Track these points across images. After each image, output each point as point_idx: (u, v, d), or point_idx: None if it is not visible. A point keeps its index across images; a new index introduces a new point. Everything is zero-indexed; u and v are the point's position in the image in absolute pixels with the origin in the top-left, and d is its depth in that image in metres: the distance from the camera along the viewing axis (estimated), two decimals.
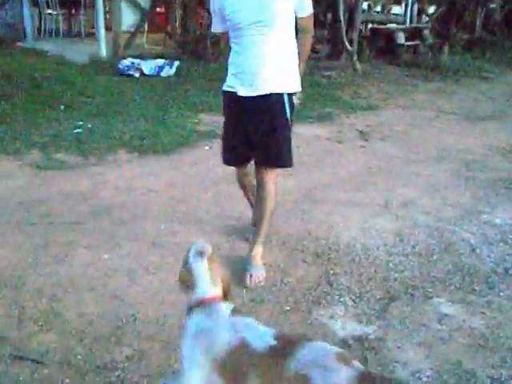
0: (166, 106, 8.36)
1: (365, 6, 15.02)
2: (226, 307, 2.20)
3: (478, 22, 18.60)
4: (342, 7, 12.41)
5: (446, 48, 15.55)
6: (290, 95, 3.61)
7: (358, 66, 12.22)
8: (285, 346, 1.99)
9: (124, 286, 3.59)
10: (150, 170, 5.82)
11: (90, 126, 7.10)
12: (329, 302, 3.52)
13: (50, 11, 14.50)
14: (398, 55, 14.53)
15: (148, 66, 10.55)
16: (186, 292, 2.27)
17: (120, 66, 10.49)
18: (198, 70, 10.71)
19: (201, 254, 2.26)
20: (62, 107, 7.93)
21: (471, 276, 3.95)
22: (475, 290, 3.78)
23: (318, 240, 4.34)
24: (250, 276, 3.71)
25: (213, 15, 3.66)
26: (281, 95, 3.56)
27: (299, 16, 3.58)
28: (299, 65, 3.63)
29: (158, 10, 14.28)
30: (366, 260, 4.08)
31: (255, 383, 1.99)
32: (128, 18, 13.21)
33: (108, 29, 12.08)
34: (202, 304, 2.19)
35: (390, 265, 4.04)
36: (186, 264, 2.28)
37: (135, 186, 5.36)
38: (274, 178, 3.77)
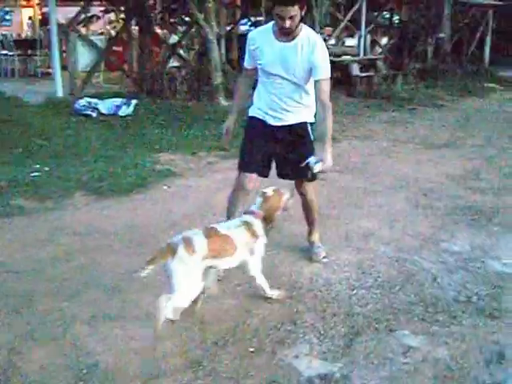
0: (124, 145, 8.32)
1: None
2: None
3: (429, 52, 19.09)
4: None
5: (399, 78, 15.87)
6: (311, 124, 4.44)
7: None
8: None
9: (85, 335, 3.51)
10: (108, 212, 5.75)
11: (47, 168, 7.01)
12: (293, 341, 3.50)
13: (5, 52, 14.43)
14: (354, 86, 14.76)
15: (105, 106, 10.50)
16: None
17: (77, 106, 10.43)
18: (156, 108, 10.71)
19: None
20: (19, 150, 7.83)
21: (433, 306, 3.99)
22: (438, 320, 3.80)
23: (280, 278, 4.33)
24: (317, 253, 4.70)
25: (247, 52, 4.33)
26: (304, 123, 4.40)
27: (314, 79, 4.16)
28: (326, 144, 4.20)
29: (114, 48, 14.29)
30: (328, 295, 4.08)
31: None
32: (84, 58, 13.22)
33: (64, 68, 12.04)
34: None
35: (353, 299, 4.04)
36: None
37: (94, 229, 5.28)
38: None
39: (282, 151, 4.43)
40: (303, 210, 4.74)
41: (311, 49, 4.09)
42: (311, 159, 4.15)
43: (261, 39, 4.22)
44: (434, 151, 8.89)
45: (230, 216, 4.46)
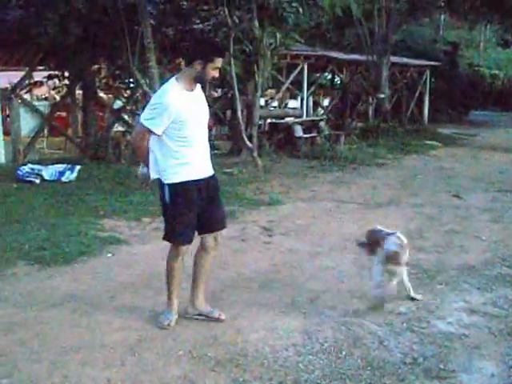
0: (67, 212, 8.20)
1: (262, 102, 15.53)
2: None
3: (370, 112, 19.65)
4: (239, 104, 12.78)
5: (342, 138, 16.21)
6: None
7: (259, 161, 12.49)
8: None
9: None
10: (50, 282, 5.60)
11: None
12: None
13: None
14: (297, 148, 15.00)
15: (48, 172, 10.40)
16: None
17: (20, 173, 10.30)
18: (100, 173, 10.64)
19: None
20: None
21: (381, 369, 3.99)
22: (385, 383, 3.79)
23: (225, 346, 4.26)
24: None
25: (159, 117, 4.25)
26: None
27: None
28: None
29: (58, 113, 14.24)
30: (275, 363, 4.04)
31: None
32: (28, 123, 13.13)
33: (7, 134, 11.91)
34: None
35: (300, 365, 4.01)
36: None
37: (35, 300, 5.13)
38: None
39: (209, 204, 4.58)
40: (202, 269, 4.74)
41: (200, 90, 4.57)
42: None
43: (177, 98, 4.28)
44: (378, 211, 9.02)
45: (175, 286, 4.52)
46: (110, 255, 6.46)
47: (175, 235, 4.50)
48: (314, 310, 4.96)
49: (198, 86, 4.51)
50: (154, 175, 4.48)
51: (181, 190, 4.38)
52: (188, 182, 4.40)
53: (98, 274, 5.84)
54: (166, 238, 4.57)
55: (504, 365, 4.10)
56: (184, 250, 4.54)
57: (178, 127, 4.30)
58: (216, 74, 4.41)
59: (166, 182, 4.39)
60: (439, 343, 4.40)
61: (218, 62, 4.37)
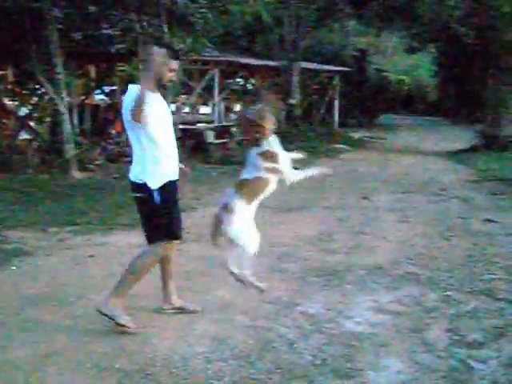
0: None
1: (173, 107, 15.41)
2: None
3: (282, 117, 19.86)
4: None
5: None
6: None
7: None
8: None
9: None
10: None
11: None
12: None
13: None
14: (210, 153, 14.98)
15: None
16: None
17: None
18: (5, 183, 10.27)
19: None
20: None
21: (291, 372, 4.00)
22: None
23: (133, 355, 4.18)
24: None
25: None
26: None
27: None
28: None
29: None
30: (184, 371, 3.98)
31: None
32: None
33: None
34: None
35: (209, 372, 3.97)
36: None
37: None
38: None
39: None
40: (171, 267, 4.94)
41: None
42: None
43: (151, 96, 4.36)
44: (289, 214, 9.12)
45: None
46: (13, 268, 6.22)
47: (176, 231, 4.69)
48: (224, 316, 4.93)
49: None
50: (138, 179, 4.52)
51: (166, 190, 4.53)
52: (167, 183, 4.55)
53: (2, 288, 5.60)
54: (168, 237, 4.65)
55: (410, 361, 4.20)
56: (168, 249, 4.73)
57: (154, 128, 4.42)
58: (173, 75, 4.56)
59: (154, 185, 4.47)
60: (348, 343, 4.47)
61: (175, 63, 4.54)
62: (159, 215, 4.55)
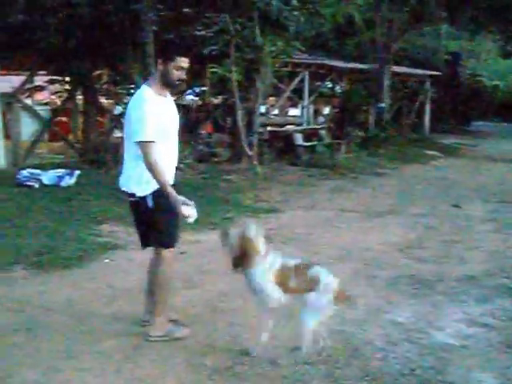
0: (65, 217, 8.16)
1: (263, 109, 15.51)
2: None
3: (371, 121, 19.62)
4: (240, 111, 12.76)
5: (342, 147, 16.19)
6: None
7: (259, 168, 12.47)
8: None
9: None
10: (47, 287, 5.57)
11: None
12: None
13: None
14: (298, 156, 14.98)
15: (48, 177, 10.37)
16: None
17: (19, 177, 10.28)
18: (99, 179, 10.63)
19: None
20: None
21: (379, 380, 3.95)
22: None
23: (222, 354, 4.22)
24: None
25: (150, 123, 4.09)
26: None
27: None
28: None
29: (58, 118, 14.23)
30: (273, 372, 4.00)
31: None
32: (28, 127, 13.10)
33: (8, 138, 11.90)
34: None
35: (297, 375, 3.97)
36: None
37: (32, 305, 5.10)
38: None
39: None
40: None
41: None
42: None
43: (155, 103, 4.19)
44: (377, 220, 9.00)
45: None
46: (107, 261, 6.43)
47: (172, 239, 4.42)
48: None
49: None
50: (134, 189, 4.30)
51: (160, 196, 4.19)
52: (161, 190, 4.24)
53: (95, 280, 5.81)
54: (165, 245, 4.38)
55: (502, 377, 4.07)
56: (173, 256, 4.47)
57: (157, 133, 4.17)
58: (182, 75, 4.27)
59: (147, 191, 4.23)
60: (438, 354, 4.37)
61: (181, 61, 4.23)
62: (154, 221, 4.32)
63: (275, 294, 4.08)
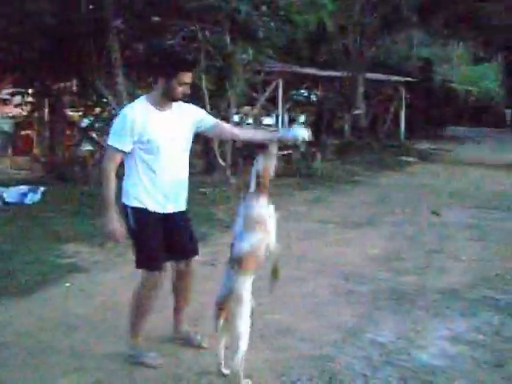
0: (26, 237, 7.70)
1: (236, 118, 15.23)
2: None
3: (347, 128, 19.49)
4: None
5: (318, 155, 15.96)
6: None
7: (232, 180, 12.16)
8: None
9: None
10: (1, 317, 5.13)
11: None
12: None
13: None
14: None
15: (10, 194, 9.93)
16: None
17: None
18: (65, 195, 10.22)
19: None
20: None
21: None
22: None
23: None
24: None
25: (120, 132, 3.96)
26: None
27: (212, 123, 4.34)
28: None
29: (22, 132, 13.84)
30: None
31: None
32: None
33: None
34: None
35: None
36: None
37: None
38: None
39: (176, 233, 4.29)
40: (180, 292, 4.48)
41: (187, 109, 4.26)
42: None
43: (142, 114, 4.00)
44: (355, 231, 8.72)
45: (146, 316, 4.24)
46: (67, 285, 6.01)
47: (146, 261, 4.15)
48: (285, 343, 4.57)
49: (177, 106, 4.18)
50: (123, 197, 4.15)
51: (141, 215, 4.08)
52: (145, 209, 4.10)
53: (54, 307, 5.37)
54: (138, 265, 4.19)
55: None
56: (157, 277, 4.15)
57: (144, 148, 4.00)
58: (186, 90, 4.09)
59: (128, 204, 4.08)
60: (422, 378, 4.06)
61: (184, 76, 4.05)
62: (133, 238, 4.17)
63: None
